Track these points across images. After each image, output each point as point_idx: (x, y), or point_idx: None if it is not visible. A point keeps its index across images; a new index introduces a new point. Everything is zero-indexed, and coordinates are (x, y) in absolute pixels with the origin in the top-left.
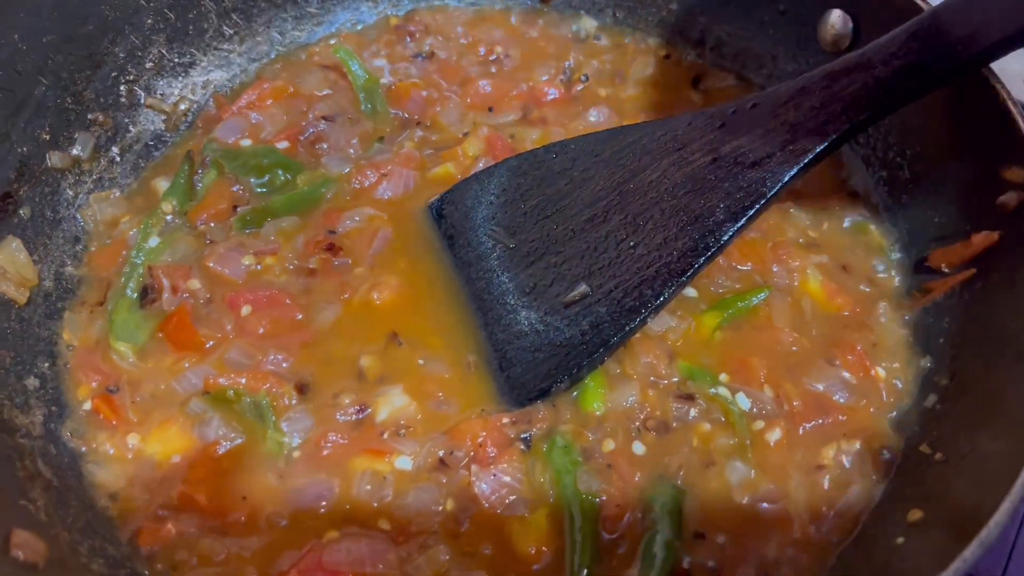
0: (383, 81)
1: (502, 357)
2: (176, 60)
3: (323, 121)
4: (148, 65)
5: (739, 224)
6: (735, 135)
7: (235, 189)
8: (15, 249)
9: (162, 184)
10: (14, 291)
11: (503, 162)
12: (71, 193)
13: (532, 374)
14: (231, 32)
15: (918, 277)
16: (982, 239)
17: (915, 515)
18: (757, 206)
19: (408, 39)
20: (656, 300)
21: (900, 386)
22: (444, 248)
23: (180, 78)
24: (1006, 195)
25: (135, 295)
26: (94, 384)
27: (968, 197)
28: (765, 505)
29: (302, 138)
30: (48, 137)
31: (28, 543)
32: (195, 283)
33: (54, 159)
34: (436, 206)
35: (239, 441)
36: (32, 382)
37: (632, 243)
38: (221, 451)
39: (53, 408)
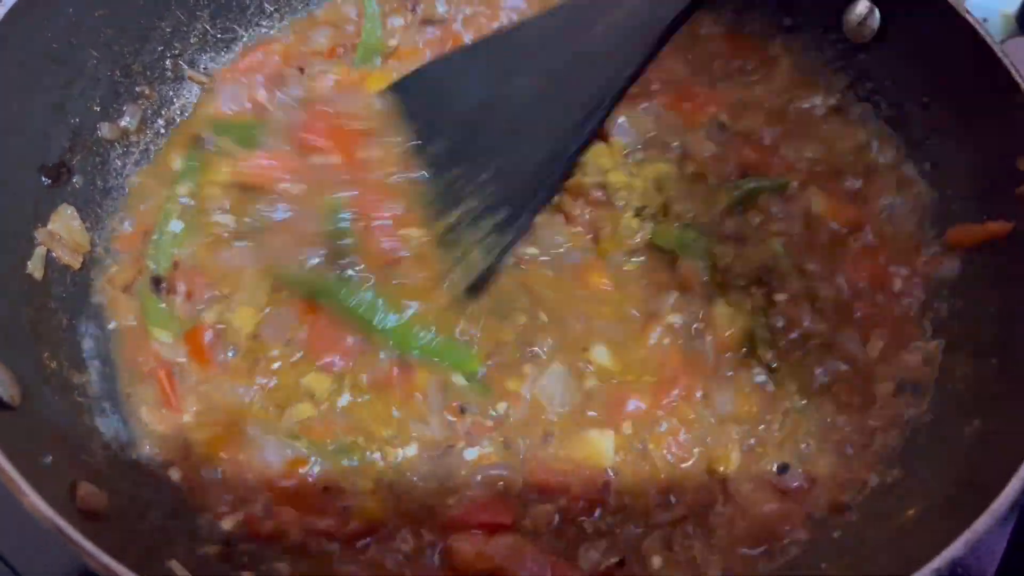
0: (392, 43)
1: None
2: (219, 36)
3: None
4: (192, 40)
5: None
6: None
7: None
8: (69, 216)
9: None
10: (69, 257)
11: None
12: (119, 163)
13: None
14: (272, 9)
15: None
16: (997, 227)
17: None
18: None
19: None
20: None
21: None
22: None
23: (223, 53)
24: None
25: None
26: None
27: (986, 187)
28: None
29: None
30: (99, 109)
31: (92, 494)
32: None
33: (104, 130)
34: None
35: None
36: (87, 343)
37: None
38: None
39: (106, 368)
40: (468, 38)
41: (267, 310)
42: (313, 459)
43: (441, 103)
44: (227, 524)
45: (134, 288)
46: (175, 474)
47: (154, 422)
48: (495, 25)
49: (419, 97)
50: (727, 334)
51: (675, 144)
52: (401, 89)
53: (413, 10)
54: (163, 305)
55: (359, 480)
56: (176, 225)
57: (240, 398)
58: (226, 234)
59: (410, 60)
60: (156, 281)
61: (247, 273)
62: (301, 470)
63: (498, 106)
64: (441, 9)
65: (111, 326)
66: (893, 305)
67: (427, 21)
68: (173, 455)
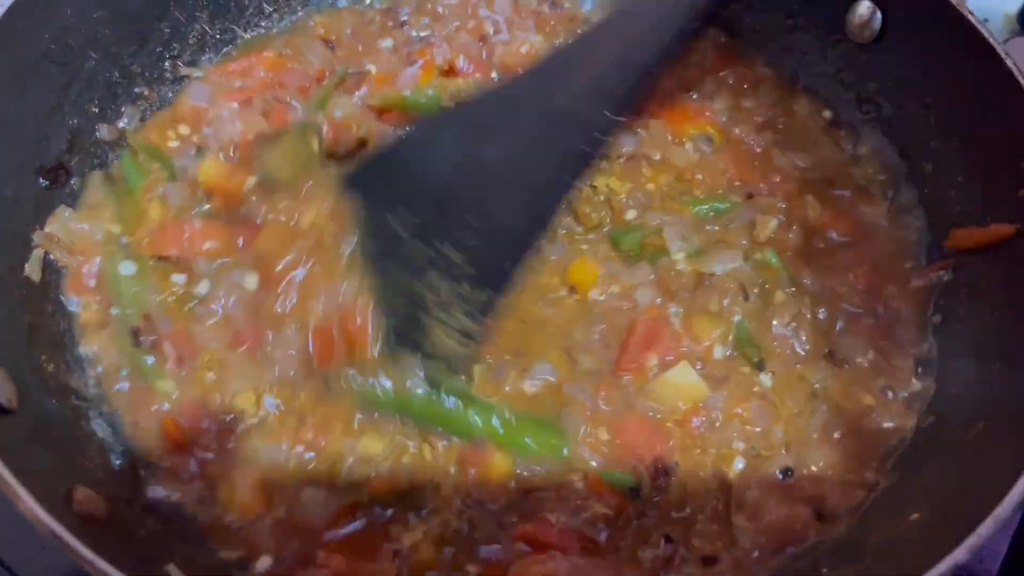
0: (368, 67)
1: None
2: (218, 36)
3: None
4: (191, 41)
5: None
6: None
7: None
8: (67, 218)
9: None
10: (67, 259)
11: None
12: (117, 165)
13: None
14: (271, 9)
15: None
16: (1000, 229)
17: None
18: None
19: (401, 23)
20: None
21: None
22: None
23: (222, 54)
24: None
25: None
26: None
27: (989, 189)
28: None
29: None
30: (97, 110)
31: (89, 499)
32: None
33: (103, 131)
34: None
35: None
36: (85, 348)
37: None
38: None
39: (101, 370)
40: (441, 56)
41: None
42: (367, 509)
43: (408, 180)
44: (261, 565)
45: (111, 333)
46: (190, 510)
47: (165, 465)
48: (476, 40)
49: (384, 177)
50: (705, 344)
51: (656, 156)
52: (363, 174)
53: (401, 27)
54: (151, 361)
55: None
56: (127, 267)
57: (274, 456)
58: (192, 302)
59: (386, 85)
60: (134, 333)
61: (247, 365)
62: (348, 520)
63: (469, 175)
64: (426, 26)
65: (99, 371)
66: (890, 311)
67: (409, 42)
68: (189, 499)
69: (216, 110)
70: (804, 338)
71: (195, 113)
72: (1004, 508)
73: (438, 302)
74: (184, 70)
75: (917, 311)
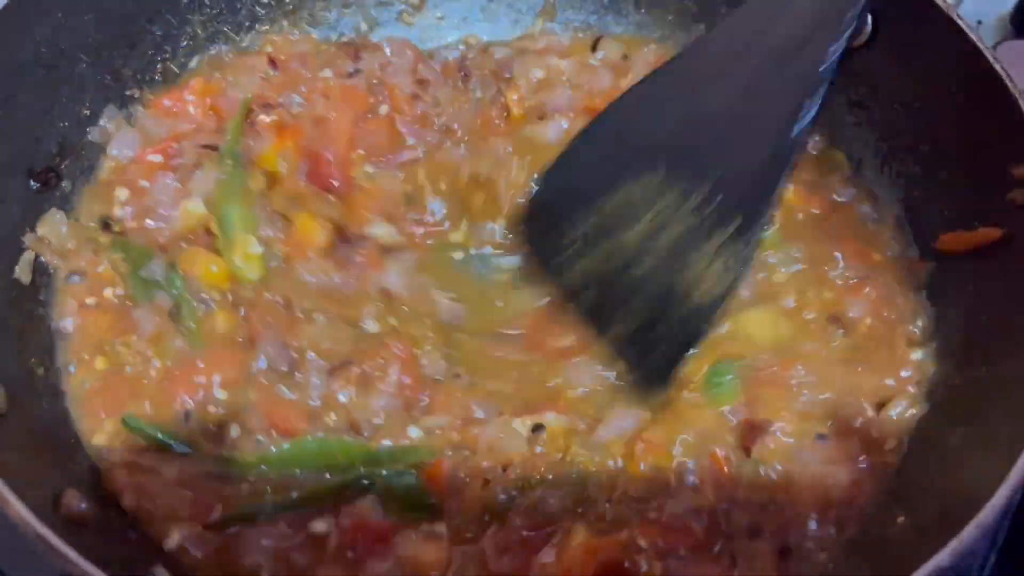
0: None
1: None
2: (211, 39)
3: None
4: (183, 43)
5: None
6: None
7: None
8: (58, 221)
9: None
10: (57, 261)
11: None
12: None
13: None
14: (263, 13)
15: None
16: (987, 233)
17: None
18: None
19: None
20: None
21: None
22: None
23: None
24: (1014, 192)
25: None
26: None
27: (978, 192)
28: None
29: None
30: (88, 113)
31: (78, 502)
32: None
33: (93, 134)
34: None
35: None
36: None
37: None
38: None
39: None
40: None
41: None
42: None
43: (630, 141)
44: None
45: None
46: None
47: None
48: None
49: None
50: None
51: None
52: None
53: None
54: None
55: None
56: None
57: None
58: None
59: None
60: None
61: None
62: None
63: (696, 125)
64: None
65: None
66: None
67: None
68: None
69: (143, 169)
70: None
71: (120, 171)
72: (987, 514)
73: (694, 238)
74: (180, 74)
75: (902, 316)
